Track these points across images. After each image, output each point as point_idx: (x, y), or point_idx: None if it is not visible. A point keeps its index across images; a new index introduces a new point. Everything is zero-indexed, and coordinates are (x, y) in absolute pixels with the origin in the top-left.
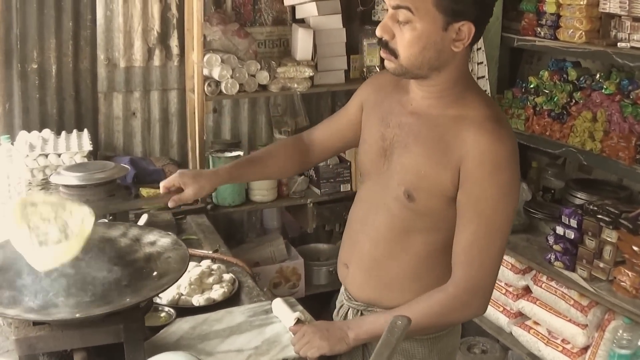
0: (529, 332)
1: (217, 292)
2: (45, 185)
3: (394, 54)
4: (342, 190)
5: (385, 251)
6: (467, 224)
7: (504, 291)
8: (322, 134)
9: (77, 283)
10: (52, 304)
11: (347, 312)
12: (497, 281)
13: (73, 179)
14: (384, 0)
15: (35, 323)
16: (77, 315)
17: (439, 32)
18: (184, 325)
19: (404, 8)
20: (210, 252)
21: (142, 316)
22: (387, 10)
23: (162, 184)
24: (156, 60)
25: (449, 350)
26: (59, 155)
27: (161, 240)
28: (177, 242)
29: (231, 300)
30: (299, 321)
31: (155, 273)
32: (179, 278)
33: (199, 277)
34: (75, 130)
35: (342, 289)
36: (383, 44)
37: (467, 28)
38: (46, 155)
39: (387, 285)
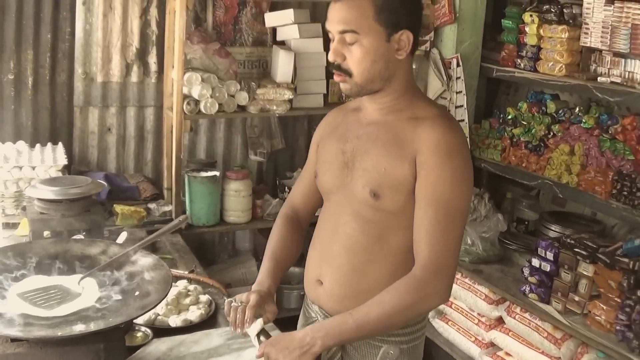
0: None
1: (194, 314)
2: (19, 197)
3: (348, 73)
4: (316, 215)
5: (363, 257)
6: (426, 208)
7: (476, 321)
8: (302, 200)
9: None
10: (30, 320)
11: None
12: (469, 311)
13: (49, 193)
14: (328, 30)
15: (14, 339)
16: (59, 333)
17: (384, 44)
18: (161, 346)
19: (349, 31)
20: (186, 272)
21: (123, 336)
22: (333, 37)
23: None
24: (134, 77)
25: (419, 357)
26: (34, 168)
27: (142, 260)
28: (158, 262)
29: (208, 322)
30: (263, 331)
31: (137, 293)
32: (163, 299)
33: (175, 298)
34: (49, 144)
35: (310, 309)
36: (336, 67)
37: (406, 36)
38: (20, 168)
39: (367, 292)
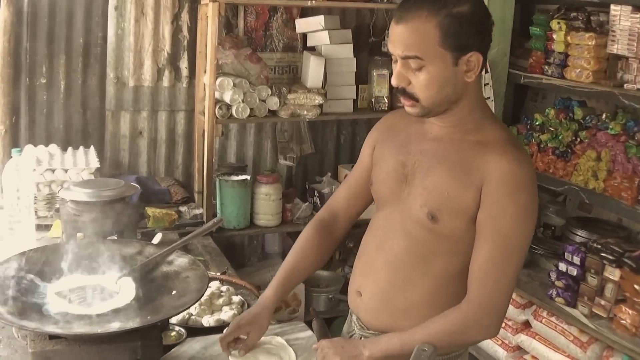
0: None
1: (227, 314)
2: (51, 200)
3: (413, 98)
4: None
5: (404, 276)
6: (484, 242)
7: (503, 325)
8: (345, 203)
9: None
10: (69, 318)
11: None
12: None
13: (82, 195)
14: (389, 51)
15: (52, 337)
16: (99, 330)
17: (451, 68)
18: (195, 345)
19: (413, 57)
20: (218, 273)
21: (160, 334)
22: (396, 59)
23: (222, 342)
24: (165, 81)
25: None
26: (66, 170)
27: (178, 260)
28: (194, 262)
29: None
30: None
31: (174, 292)
32: (200, 297)
33: (208, 298)
34: (81, 147)
35: (351, 319)
36: (400, 91)
37: (475, 58)
38: (53, 170)
39: (404, 312)
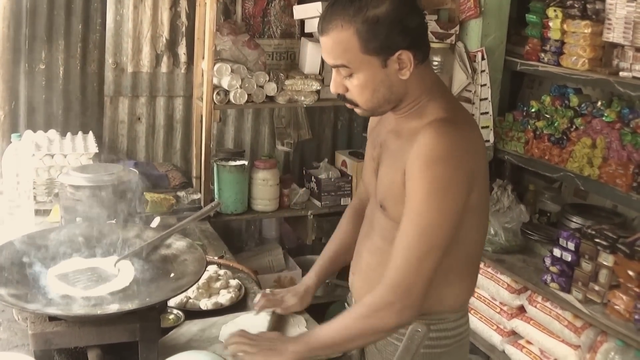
0: (521, 350)
1: (224, 297)
2: (50, 185)
3: (354, 103)
4: (342, 203)
5: (382, 260)
6: (403, 220)
7: (498, 310)
8: (365, 189)
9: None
10: (69, 300)
11: None
12: (492, 299)
13: (82, 179)
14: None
15: (51, 318)
16: (98, 312)
17: (381, 70)
18: (192, 327)
19: (340, 66)
20: (216, 257)
21: (158, 316)
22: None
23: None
24: (163, 67)
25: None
26: (65, 156)
27: (176, 243)
28: (192, 246)
29: (238, 305)
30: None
31: (172, 275)
32: (197, 280)
33: (206, 282)
34: (80, 132)
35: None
36: (341, 98)
37: (405, 56)
38: (52, 156)
39: None
